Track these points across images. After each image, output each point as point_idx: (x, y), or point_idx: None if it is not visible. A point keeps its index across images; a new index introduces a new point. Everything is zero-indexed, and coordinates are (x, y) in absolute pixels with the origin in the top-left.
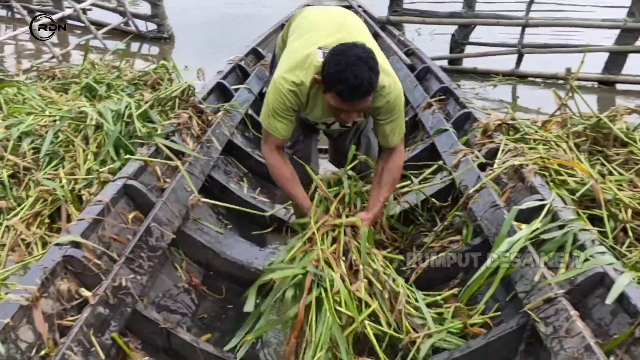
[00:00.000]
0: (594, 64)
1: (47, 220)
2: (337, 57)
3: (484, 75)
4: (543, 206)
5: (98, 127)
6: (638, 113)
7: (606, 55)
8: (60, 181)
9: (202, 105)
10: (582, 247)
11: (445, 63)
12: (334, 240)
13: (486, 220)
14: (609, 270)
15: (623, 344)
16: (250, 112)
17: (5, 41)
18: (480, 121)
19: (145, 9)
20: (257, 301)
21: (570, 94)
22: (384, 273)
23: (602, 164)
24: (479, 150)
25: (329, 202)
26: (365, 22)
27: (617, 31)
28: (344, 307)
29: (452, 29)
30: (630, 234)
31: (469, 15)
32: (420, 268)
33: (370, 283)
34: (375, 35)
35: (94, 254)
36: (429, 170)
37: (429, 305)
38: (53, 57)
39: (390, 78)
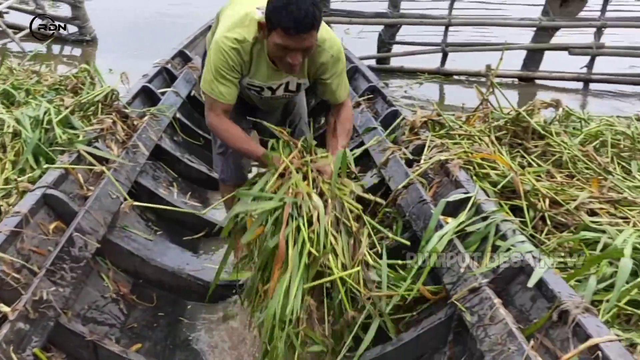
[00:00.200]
0: (514, 62)
1: None
2: None
3: (410, 74)
4: (468, 199)
5: (16, 134)
6: (554, 107)
7: (525, 52)
8: None
9: (126, 110)
10: (503, 237)
11: (373, 62)
12: (304, 177)
13: (414, 215)
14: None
15: (542, 327)
16: (178, 115)
17: None
18: (407, 119)
19: (66, 11)
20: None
21: (491, 90)
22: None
23: (522, 156)
24: (407, 147)
25: (293, 146)
26: None
27: (534, 29)
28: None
29: (379, 28)
30: (549, 222)
31: (395, 15)
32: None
33: (337, 221)
34: None
35: (12, 268)
36: (357, 169)
37: None
38: None
39: (330, 33)
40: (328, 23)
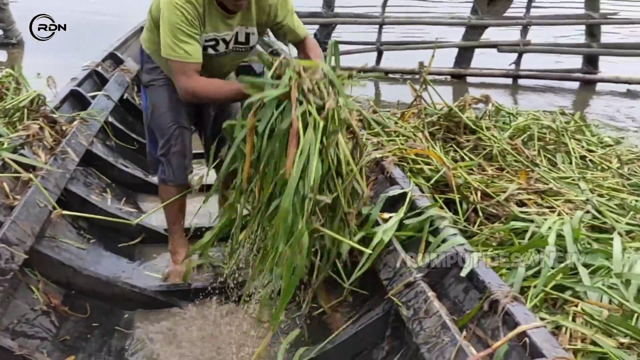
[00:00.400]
0: (447, 59)
1: None
2: None
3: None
4: (404, 196)
5: None
6: (484, 102)
7: (456, 50)
8: None
9: (54, 115)
10: (437, 232)
11: None
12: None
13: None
14: (460, 250)
15: (474, 317)
16: (110, 119)
17: None
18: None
19: None
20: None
21: (424, 87)
22: None
23: (455, 151)
24: None
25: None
26: None
27: (464, 28)
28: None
29: (315, 28)
30: (481, 213)
31: (329, 15)
32: None
33: None
34: None
35: None
36: None
37: None
38: None
39: None
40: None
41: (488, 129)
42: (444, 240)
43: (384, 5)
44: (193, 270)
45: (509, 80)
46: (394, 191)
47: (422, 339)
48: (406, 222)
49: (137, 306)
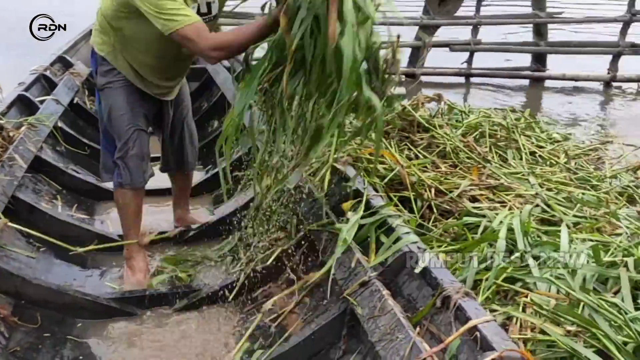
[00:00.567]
0: (402, 58)
1: None
2: None
3: None
4: (358, 195)
5: None
6: (436, 101)
7: (410, 50)
8: None
9: (1, 121)
10: (391, 230)
11: None
12: None
13: (307, 215)
14: (413, 249)
15: (428, 314)
16: (60, 124)
17: None
18: None
19: None
20: None
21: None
22: None
23: (409, 149)
24: None
25: None
26: None
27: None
28: None
29: None
30: (435, 210)
31: None
32: (249, 268)
33: None
34: None
35: None
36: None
37: None
38: None
39: None
40: (218, 26)
41: (441, 127)
42: (397, 239)
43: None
44: (153, 277)
45: (462, 79)
46: (349, 190)
47: (377, 337)
48: (361, 221)
49: (91, 315)
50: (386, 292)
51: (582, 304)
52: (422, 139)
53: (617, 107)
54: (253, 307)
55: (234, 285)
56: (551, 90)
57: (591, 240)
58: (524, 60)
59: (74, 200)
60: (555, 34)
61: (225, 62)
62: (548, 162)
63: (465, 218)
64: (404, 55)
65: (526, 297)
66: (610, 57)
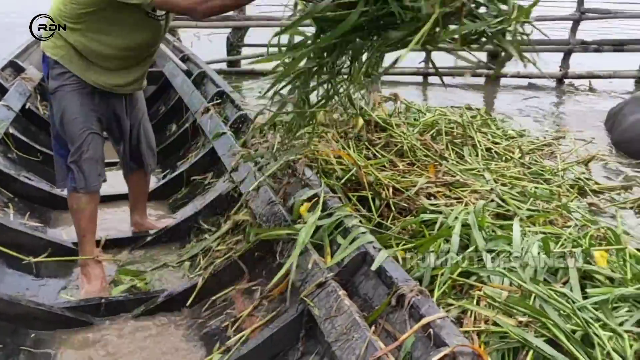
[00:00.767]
0: None
1: None
2: None
3: (262, 75)
4: (315, 197)
5: None
6: (393, 100)
7: None
8: None
9: None
10: (347, 231)
11: (224, 66)
12: None
13: (264, 218)
14: (369, 248)
15: (383, 313)
16: (11, 130)
17: None
18: (256, 122)
19: None
20: None
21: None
22: None
23: (367, 148)
24: (256, 150)
25: None
26: None
27: None
28: None
29: (227, 32)
30: (393, 208)
31: (241, 18)
32: (207, 272)
33: None
34: None
35: None
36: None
37: None
38: None
39: None
40: (174, 28)
41: (398, 126)
42: (354, 239)
43: (295, 7)
44: (110, 284)
45: (420, 78)
46: (306, 193)
47: (333, 337)
48: (318, 223)
49: (45, 325)
50: (342, 293)
51: (533, 295)
52: (379, 138)
53: (569, 103)
54: (211, 312)
55: (192, 290)
56: (506, 87)
57: (543, 233)
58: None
59: (27, 208)
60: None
61: (183, 65)
62: (503, 158)
63: (422, 215)
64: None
65: (480, 290)
66: (561, 54)
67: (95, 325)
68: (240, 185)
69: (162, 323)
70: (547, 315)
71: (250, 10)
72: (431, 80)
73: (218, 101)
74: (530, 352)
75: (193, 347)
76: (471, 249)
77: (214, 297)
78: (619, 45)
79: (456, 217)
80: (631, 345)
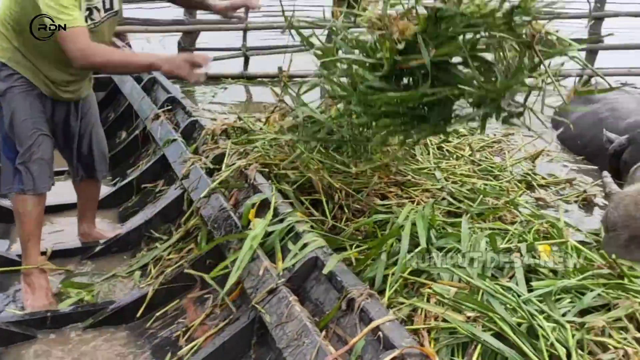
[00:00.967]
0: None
1: None
2: None
3: (215, 79)
4: (267, 203)
5: None
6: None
7: None
8: None
9: None
10: (298, 236)
11: None
12: None
13: (216, 225)
14: (320, 253)
15: (334, 317)
16: None
17: None
18: (207, 127)
19: None
20: None
21: (286, 90)
22: None
23: (320, 151)
24: (207, 157)
25: None
26: None
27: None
28: None
29: (178, 36)
30: (347, 210)
31: (192, 22)
32: (158, 282)
33: None
34: None
35: None
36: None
37: None
38: None
39: None
40: (124, 32)
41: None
42: (305, 245)
43: (247, 11)
44: (56, 297)
45: None
46: (257, 198)
47: (284, 343)
48: (269, 229)
49: None
50: (293, 298)
51: (480, 290)
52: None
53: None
54: (162, 322)
55: (142, 301)
56: None
57: (491, 229)
58: None
59: None
60: None
61: None
62: (454, 156)
63: (374, 216)
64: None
65: (430, 288)
66: None
67: (40, 339)
68: (192, 192)
69: (111, 335)
70: (494, 310)
71: (202, 14)
72: None
73: (169, 107)
74: (479, 346)
75: (143, 359)
76: (420, 247)
77: (165, 307)
78: None
79: (407, 216)
80: (573, 335)
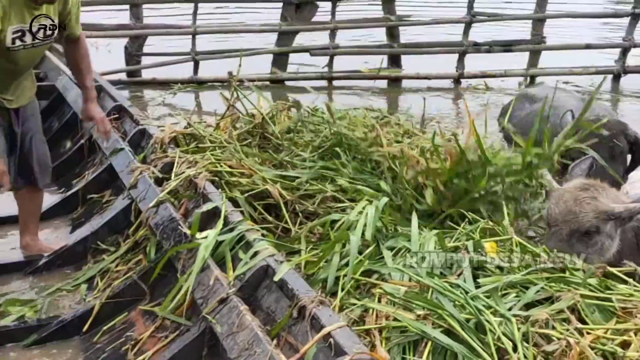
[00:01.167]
0: (265, 65)
1: None
2: None
3: (164, 85)
4: (217, 212)
5: None
6: (295, 107)
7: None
8: None
9: None
10: (249, 245)
11: (124, 76)
12: None
13: (165, 235)
14: (271, 262)
15: (286, 326)
16: None
17: None
18: (156, 136)
19: None
20: None
21: (236, 95)
22: None
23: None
24: (156, 166)
25: None
26: None
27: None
28: None
29: (124, 41)
30: (300, 213)
31: (138, 27)
32: (105, 295)
33: None
34: None
35: None
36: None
37: None
38: None
39: None
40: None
41: (300, 132)
42: (255, 253)
43: (195, 14)
44: None
45: (325, 83)
46: (207, 207)
47: (235, 353)
48: (220, 238)
49: None
50: (244, 308)
51: (430, 288)
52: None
53: (467, 100)
54: (110, 336)
55: (89, 315)
56: (408, 89)
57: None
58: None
59: None
60: (411, 36)
61: None
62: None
63: (326, 217)
64: (268, 63)
65: (381, 288)
66: (457, 55)
67: None
68: (140, 202)
69: (55, 352)
70: (443, 307)
71: (149, 16)
72: (336, 84)
73: (116, 116)
74: (429, 344)
75: None
76: (371, 248)
77: (112, 321)
78: (508, 46)
79: (359, 213)
80: (519, 328)
